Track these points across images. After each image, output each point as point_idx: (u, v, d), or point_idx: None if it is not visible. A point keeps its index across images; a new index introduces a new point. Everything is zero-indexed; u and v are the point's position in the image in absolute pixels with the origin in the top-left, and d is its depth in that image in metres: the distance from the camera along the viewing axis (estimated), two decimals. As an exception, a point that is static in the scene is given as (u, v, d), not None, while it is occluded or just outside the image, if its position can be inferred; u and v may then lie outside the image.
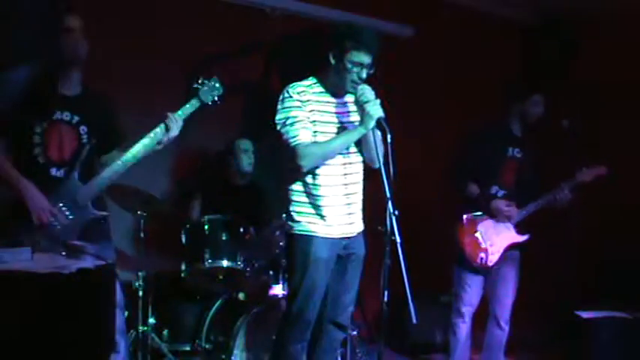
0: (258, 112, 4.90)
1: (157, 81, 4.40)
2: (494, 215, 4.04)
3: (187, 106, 3.27)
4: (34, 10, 3.45)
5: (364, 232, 3.37)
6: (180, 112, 3.22)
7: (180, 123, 3.20)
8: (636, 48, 5.23)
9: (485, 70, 5.41)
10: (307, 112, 3.14)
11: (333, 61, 3.16)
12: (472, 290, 4.08)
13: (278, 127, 3.16)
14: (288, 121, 3.12)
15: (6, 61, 3.35)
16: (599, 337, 4.37)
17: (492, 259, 4.03)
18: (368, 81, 3.17)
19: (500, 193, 4.11)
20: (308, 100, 3.16)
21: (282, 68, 4.99)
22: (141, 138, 3.16)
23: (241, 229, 4.04)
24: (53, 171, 3.16)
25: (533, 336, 5.05)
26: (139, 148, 3.15)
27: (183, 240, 4.06)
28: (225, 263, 3.95)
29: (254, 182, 4.56)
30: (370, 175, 3.31)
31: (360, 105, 3.13)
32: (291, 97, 3.14)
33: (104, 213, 3.27)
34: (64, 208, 3.13)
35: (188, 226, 4.11)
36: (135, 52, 4.33)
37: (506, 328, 4.13)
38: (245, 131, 4.79)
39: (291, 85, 3.19)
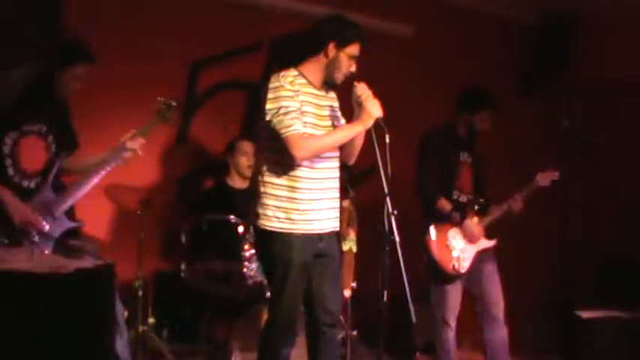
0: (258, 112, 4.90)
1: (157, 81, 4.40)
2: (465, 233, 4.05)
3: (150, 124, 3.35)
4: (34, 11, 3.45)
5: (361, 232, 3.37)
6: (143, 131, 3.27)
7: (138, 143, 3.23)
8: (636, 47, 5.23)
9: (485, 70, 5.41)
10: (299, 101, 3.09)
11: (332, 53, 3.12)
12: (453, 297, 4.05)
13: (268, 117, 3.08)
14: (281, 111, 3.05)
15: (5, 60, 3.37)
16: (599, 337, 4.37)
17: (464, 265, 4.02)
18: (364, 80, 3.18)
19: (463, 197, 4.11)
20: (298, 91, 3.11)
21: (282, 68, 4.98)
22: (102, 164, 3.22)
23: (241, 229, 4.04)
24: (25, 183, 3.15)
25: (533, 336, 5.05)
26: (98, 175, 3.22)
27: (183, 240, 4.06)
28: (225, 263, 3.96)
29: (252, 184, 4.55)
30: (370, 176, 3.32)
31: (359, 103, 3.12)
32: (283, 86, 3.08)
33: (77, 224, 3.28)
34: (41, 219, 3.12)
35: (188, 226, 4.11)
36: (135, 53, 4.34)
37: (504, 325, 4.12)
38: (245, 131, 4.79)
39: (281, 75, 3.13)
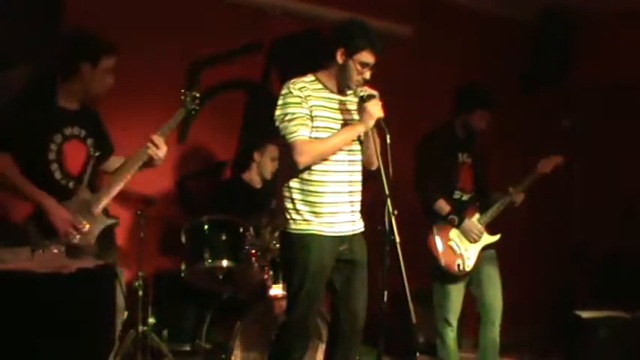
0: (258, 112, 4.91)
1: (157, 81, 4.40)
2: (464, 234, 4.05)
3: (176, 116, 3.47)
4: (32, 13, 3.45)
5: (364, 234, 3.35)
6: (166, 127, 3.41)
7: (163, 140, 3.34)
8: (636, 48, 5.23)
9: (486, 70, 5.41)
10: (308, 107, 3.11)
11: (340, 59, 3.14)
12: (455, 298, 4.08)
13: (277, 123, 3.13)
14: (287, 117, 3.09)
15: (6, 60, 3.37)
16: (599, 337, 4.38)
17: (469, 263, 4.05)
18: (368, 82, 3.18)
19: (465, 197, 4.12)
20: (309, 96, 3.13)
21: (282, 68, 4.99)
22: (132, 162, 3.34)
23: (241, 229, 4.04)
24: (70, 185, 3.26)
25: (533, 336, 5.05)
26: (132, 172, 3.34)
27: (183, 240, 4.06)
28: (225, 263, 3.95)
29: (269, 187, 4.54)
30: (369, 176, 3.31)
31: (361, 104, 3.13)
32: (291, 92, 3.12)
33: (115, 220, 3.37)
34: (81, 219, 3.21)
35: (188, 226, 4.11)
36: (135, 53, 4.33)
37: (498, 327, 4.12)
38: (245, 131, 4.79)
39: (291, 82, 3.17)
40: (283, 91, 3.16)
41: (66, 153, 3.23)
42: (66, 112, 3.28)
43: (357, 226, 3.31)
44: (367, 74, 3.16)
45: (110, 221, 3.33)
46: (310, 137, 3.12)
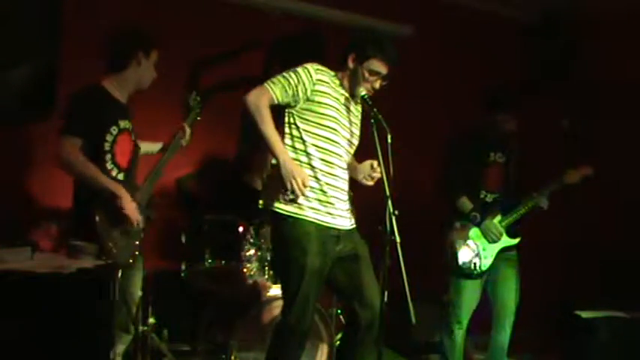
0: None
1: (157, 81, 4.39)
2: (483, 233, 4.06)
3: (193, 114, 3.77)
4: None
5: (361, 233, 3.36)
6: (188, 121, 3.68)
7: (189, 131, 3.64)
8: (636, 48, 5.23)
9: (485, 70, 5.41)
10: (310, 87, 3.11)
11: (351, 64, 3.19)
12: (468, 296, 4.08)
13: None
14: (282, 75, 3.13)
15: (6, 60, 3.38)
16: (599, 337, 4.38)
17: (486, 262, 4.06)
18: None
19: (490, 197, 4.13)
20: (321, 81, 3.15)
21: (282, 68, 4.98)
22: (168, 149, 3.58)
23: (241, 229, 4.04)
24: (120, 176, 3.34)
25: (533, 336, 5.05)
26: (168, 158, 3.56)
27: (183, 240, 4.07)
28: (225, 263, 3.96)
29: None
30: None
31: (364, 104, 3.17)
32: (307, 68, 3.14)
33: (152, 214, 3.54)
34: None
35: (188, 226, 4.11)
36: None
37: (509, 330, 4.13)
38: (246, 131, 4.79)
39: (316, 64, 3.18)
40: (302, 65, 3.16)
41: (118, 145, 3.31)
42: (120, 105, 3.37)
43: (352, 221, 3.32)
44: (377, 84, 3.19)
45: (151, 213, 3.50)
46: (280, 103, 3.12)
